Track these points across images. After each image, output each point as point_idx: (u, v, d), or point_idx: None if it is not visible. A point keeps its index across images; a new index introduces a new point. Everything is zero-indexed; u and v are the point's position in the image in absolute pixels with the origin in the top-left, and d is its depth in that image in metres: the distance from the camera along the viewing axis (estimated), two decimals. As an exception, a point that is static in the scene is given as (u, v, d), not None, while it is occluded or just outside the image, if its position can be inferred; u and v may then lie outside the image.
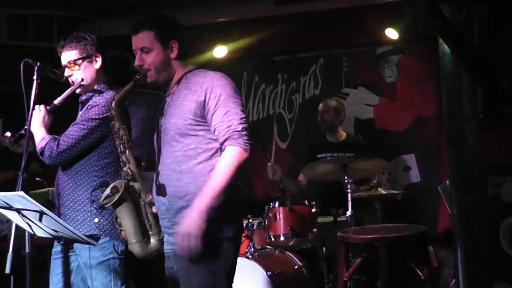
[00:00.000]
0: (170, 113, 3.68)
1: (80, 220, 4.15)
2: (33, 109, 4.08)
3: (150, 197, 3.71)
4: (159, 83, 3.76)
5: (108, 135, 4.16)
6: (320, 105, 7.24)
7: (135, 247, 3.68)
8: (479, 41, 5.26)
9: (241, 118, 3.56)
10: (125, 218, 3.65)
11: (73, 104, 4.39)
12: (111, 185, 3.73)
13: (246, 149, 3.49)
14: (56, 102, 4.24)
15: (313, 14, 7.51)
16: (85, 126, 4.13)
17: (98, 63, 4.32)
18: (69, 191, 4.21)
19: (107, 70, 4.40)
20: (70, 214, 4.18)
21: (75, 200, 4.18)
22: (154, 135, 3.82)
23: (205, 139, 3.59)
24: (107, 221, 4.14)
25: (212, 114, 3.55)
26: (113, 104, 3.70)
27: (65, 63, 4.30)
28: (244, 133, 3.52)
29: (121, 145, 3.74)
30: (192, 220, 3.44)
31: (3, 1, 7.38)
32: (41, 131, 4.18)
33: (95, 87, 4.31)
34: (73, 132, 4.15)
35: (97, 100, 4.21)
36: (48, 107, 4.24)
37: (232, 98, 3.58)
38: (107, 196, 3.70)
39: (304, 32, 7.96)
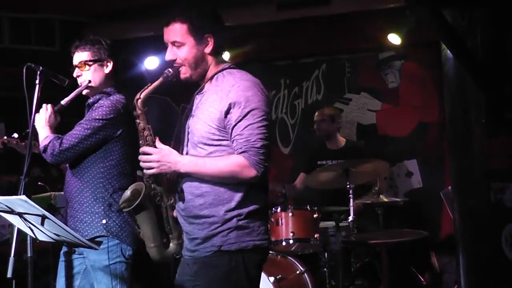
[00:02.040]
0: (197, 117, 3.48)
1: (88, 221, 4.15)
2: (36, 113, 4.08)
3: (172, 200, 3.53)
4: (193, 79, 3.54)
5: (113, 137, 4.16)
6: (316, 114, 7.24)
7: (152, 251, 3.55)
8: (481, 46, 5.26)
9: (262, 134, 3.35)
10: (144, 223, 3.52)
11: (80, 108, 4.39)
12: (131, 188, 3.57)
13: (256, 168, 3.30)
14: (63, 102, 4.24)
15: (315, 20, 7.52)
16: (89, 126, 4.13)
17: (108, 68, 4.32)
18: (76, 193, 4.21)
19: (117, 76, 4.39)
20: (78, 216, 4.18)
21: (82, 201, 4.18)
22: (184, 133, 3.61)
23: (230, 148, 3.39)
24: (115, 223, 4.14)
25: (233, 126, 3.33)
26: (138, 102, 3.47)
27: (76, 63, 4.30)
28: (261, 151, 3.32)
29: (146, 146, 3.49)
30: (170, 162, 3.37)
31: (5, 6, 7.39)
32: (46, 130, 4.18)
33: (103, 90, 4.31)
34: (76, 131, 4.14)
35: (103, 102, 4.21)
36: (55, 107, 4.24)
37: (257, 112, 3.35)
38: (127, 200, 3.54)
39: (306, 38, 7.98)
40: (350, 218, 6.01)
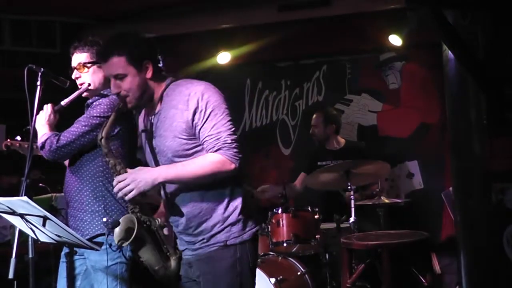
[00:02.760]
0: (162, 135, 3.58)
1: (88, 220, 4.15)
2: (37, 114, 4.08)
3: (159, 220, 3.62)
4: (141, 106, 3.69)
5: (111, 134, 4.16)
6: (312, 119, 7.25)
7: (158, 273, 3.63)
8: (483, 47, 5.26)
9: (230, 129, 3.47)
10: (144, 251, 3.59)
11: (80, 110, 4.39)
12: (123, 227, 3.57)
13: (233, 161, 3.43)
14: (63, 103, 4.24)
15: (316, 21, 7.53)
16: (86, 123, 4.13)
17: (106, 69, 4.33)
18: (76, 192, 4.21)
19: None
20: (78, 215, 4.18)
21: (82, 200, 4.18)
22: (148, 156, 3.73)
23: (205, 152, 3.50)
24: None
25: (200, 129, 3.47)
26: (103, 142, 3.60)
27: (75, 65, 4.30)
28: (234, 145, 3.45)
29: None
30: (145, 177, 3.45)
31: (6, 8, 7.40)
32: (45, 128, 4.18)
33: (102, 92, 4.31)
34: (74, 128, 4.14)
35: (102, 100, 4.21)
36: (55, 107, 4.25)
37: (218, 110, 3.48)
38: (122, 235, 3.56)
39: (307, 39, 7.98)
40: (351, 220, 6.01)
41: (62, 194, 4.48)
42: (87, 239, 4.01)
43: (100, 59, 3.64)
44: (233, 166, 3.43)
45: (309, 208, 6.15)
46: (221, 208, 3.54)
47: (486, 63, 5.20)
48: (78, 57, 4.30)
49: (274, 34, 7.72)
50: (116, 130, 4.16)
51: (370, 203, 6.36)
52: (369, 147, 7.22)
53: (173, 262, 3.64)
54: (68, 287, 4.18)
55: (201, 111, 3.45)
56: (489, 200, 5.44)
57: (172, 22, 7.77)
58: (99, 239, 4.10)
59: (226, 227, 3.54)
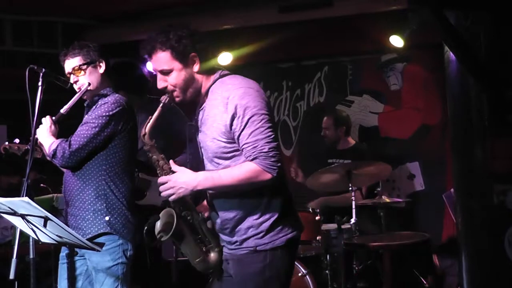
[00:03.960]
0: (205, 133, 3.56)
1: (91, 219, 4.16)
2: (38, 115, 4.06)
3: (202, 214, 3.65)
4: (188, 100, 3.59)
5: (117, 133, 4.17)
6: (323, 120, 7.27)
7: (198, 266, 3.64)
8: (484, 49, 5.26)
9: (269, 137, 3.38)
10: (184, 245, 3.59)
11: (79, 111, 4.39)
12: (163, 215, 3.58)
13: (269, 171, 3.35)
14: (62, 111, 4.23)
15: (317, 22, 7.52)
16: (96, 124, 4.13)
17: (102, 67, 4.32)
18: (78, 191, 4.21)
19: (111, 76, 4.39)
20: (81, 214, 4.18)
21: (84, 199, 4.18)
22: (199, 148, 3.70)
23: (244, 157, 3.45)
24: (117, 220, 4.16)
25: (239, 136, 3.40)
26: (146, 137, 3.55)
27: (69, 70, 4.29)
28: (271, 153, 3.36)
29: (163, 175, 3.56)
30: (186, 183, 3.44)
31: (8, 8, 7.40)
32: (50, 138, 4.18)
33: (101, 92, 4.31)
34: (84, 131, 4.14)
35: (107, 99, 4.21)
36: (53, 117, 4.23)
37: (257, 117, 3.38)
38: (163, 229, 3.56)
39: (308, 40, 7.98)
40: (352, 221, 6.01)
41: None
42: (89, 238, 4.02)
43: (144, 54, 3.59)
44: (268, 176, 3.36)
45: (310, 209, 6.16)
46: (256, 215, 3.50)
47: (488, 64, 5.20)
48: (71, 62, 4.29)
49: (275, 35, 7.71)
50: (119, 127, 4.17)
51: (371, 203, 6.35)
52: (370, 148, 7.22)
53: (214, 254, 3.63)
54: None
55: (239, 117, 3.38)
56: (491, 202, 5.44)
57: (172, 22, 7.76)
58: (100, 239, 4.11)
59: (259, 233, 3.49)
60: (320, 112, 7.88)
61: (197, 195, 3.65)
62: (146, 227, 3.53)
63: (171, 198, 3.48)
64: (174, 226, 3.48)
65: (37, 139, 4.15)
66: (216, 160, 3.53)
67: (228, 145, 3.47)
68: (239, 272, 3.55)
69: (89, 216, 4.16)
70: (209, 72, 3.59)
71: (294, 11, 7.37)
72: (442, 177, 7.54)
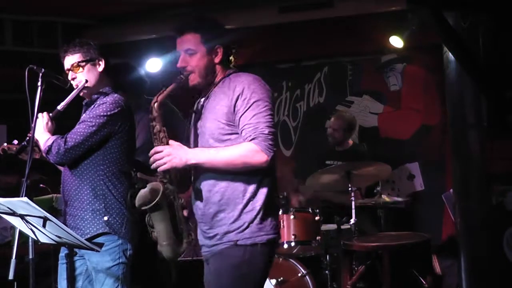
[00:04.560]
0: (206, 116, 3.65)
1: (89, 219, 4.14)
2: (38, 115, 4.06)
3: (182, 200, 3.67)
4: (200, 87, 3.71)
5: (114, 133, 4.17)
6: (332, 120, 7.24)
7: (165, 249, 3.64)
8: (483, 50, 5.27)
9: (269, 122, 3.52)
10: (159, 221, 3.60)
11: (77, 111, 4.39)
12: (149, 186, 3.62)
13: (266, 153, 3.45)
14: (59, 107, 4.22)
15: (317, 22, 7.53)
16: (93, 123, 4.12)
17: (101, 66, 4.31)
18: (76, 191, 4.20)
19: (110, 75, 4.39)
20: (79, 214, 4.17)
21: (82, 199, 4.16)
22: (190, 137, 3.78)
23: (240, 140, 3.54)
24: (115, 220, 4.15)
25: (241, 116, 3.52)
26: (156, 105, 3.63)
27: (68, 67, 4.28)
28: (270, 137, 3.48)
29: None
30: (180, 154, 3.50)
31: (8, 8, 7.40)
32: (46, 135, 4.17)
33: (100, 90, 4.31)
34: (81, 129, 4.13)
35: (106, 99, 4.21)
36: (50, 114, 4.23)
37: (261, 102, 3.54)
38: (145, 198, 3.60)
39: (308, 40, 7.98)
40: (352, 221, 6.01)
41: (63, 194, 4.48)
42: (88, 238, 4.02)
43: (175, 31, 3.71)
44: (265, 158, 3.45)
45: (310, 210, 6.16)
46: (240, 204, 3.54)
47: (487, 65, 5.21)
48: (71, 59, 4.28)
49: (275, 36, 7.72)
50: (117, 128, 4.17)
51: (371, 203, 6.36)
52: (370, 149, 7.23)
53: (184, 244, 3.65)
54: (68, 288, 4.19)
55: (244, 99, 3.53)
56: (490, 202, 5.45)
57: (173, 23, 7.77)
58: (100, 239, 4.10)
59: (240, 226, 3.53)
60: (320, 112, 7.88)
61: (183, 180, 3.71)
62: (129, 193, 3.68)
63: (162, 167, 3.50)
64: (157, 199, 3.51)
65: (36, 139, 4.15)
66: (211, 142, 3.58)
67: (226, 127, 3.56)
68: (218, 265, 3.59)
69: (87, 216, 4.15)
70: (226, 67, 3.72)
71: (294, 12, 7.37)
72: (442, 177, 7.54)
